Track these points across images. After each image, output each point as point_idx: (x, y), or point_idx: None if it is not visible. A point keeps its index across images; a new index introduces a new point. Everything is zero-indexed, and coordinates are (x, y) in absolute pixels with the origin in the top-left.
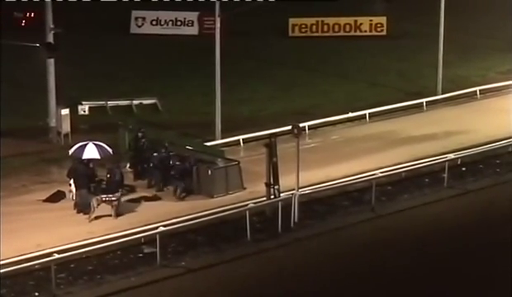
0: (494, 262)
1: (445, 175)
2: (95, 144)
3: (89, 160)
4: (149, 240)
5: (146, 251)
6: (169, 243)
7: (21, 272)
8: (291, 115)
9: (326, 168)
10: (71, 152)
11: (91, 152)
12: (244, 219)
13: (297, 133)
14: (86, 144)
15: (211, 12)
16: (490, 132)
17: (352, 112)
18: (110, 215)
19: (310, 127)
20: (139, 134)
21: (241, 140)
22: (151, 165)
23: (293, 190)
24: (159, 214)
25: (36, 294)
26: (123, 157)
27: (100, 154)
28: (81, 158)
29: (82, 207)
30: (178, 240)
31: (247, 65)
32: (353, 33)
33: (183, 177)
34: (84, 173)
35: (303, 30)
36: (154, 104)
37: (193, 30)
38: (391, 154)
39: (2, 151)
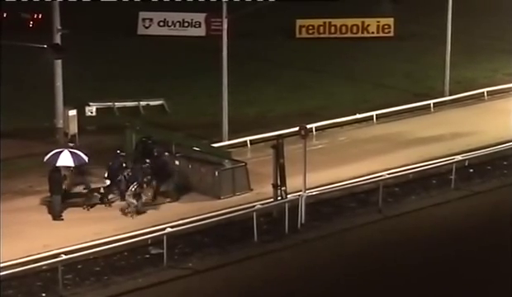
0: (502, 264)
1: (452, 177)
2: (70, 152)
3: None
4: (156, 241)
5: (153, 252)
6: (176, 244)
7: (28, 273)
8: (298, 116)
9: (333, 170)
10: (46, 158)
11: (65, 159)
12: (251, 221)
13: (304, 134)
14: (61, 151)
15: (218, 13)
16: (497, 133)
17: (359, 113)
18: (117, 216)
19: (317, 128)
20: (149, 141)
21: (248, 141)
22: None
23: (300, 191)
24: (166, 215)
25: (43, 294)
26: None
27: (74, 162)
28: (54, 165)
29: (56, 213)
30: (185, 241)
31: (254, 66)
32: (360, 34)
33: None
34: (58, 180)
35: (310, 31)
36: (161, 105)
37: (200, 32)
38: (398, 156)
39: (10, 152)
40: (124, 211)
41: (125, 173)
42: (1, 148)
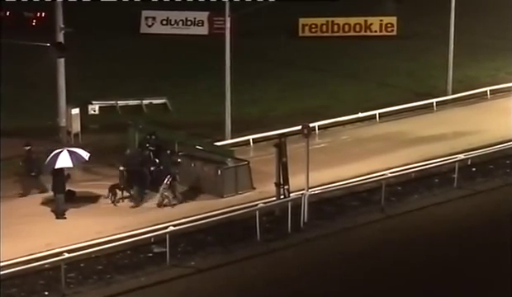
0: (503, 264)
1: (455, 175)
2: (69, 151)
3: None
4: (159, 240)
5: (156, 250)
6: (179, 243)
7: (31, 272)
8: (300, 115)
9: (336, 168)
10: (46, 160)
11: (64, 160)
12: (254, 219)
13: (307, 133)
14: (60, 152)
15: (221, 12)
16: (500, 132)
17: (362, 112)
18: (120, 214)
19: (319, 127)
20: (152, 137)
21: (251, 140)
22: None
23: (303, 190)
24: (169, 213)
25: (46, 293)
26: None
27: (73, 162)
28: (54, 168)
29: (59, 212)
30: (188, 240)
31: (257, 65)
32: (363, 33)
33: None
34: (61, 179)
35: (313, 30)
36: (164, 104)
37: (203, 30)
38: (400, 155)
39: (12, 151)
40: (159, 204)
41: (154, 166)
42: (1, 148)
